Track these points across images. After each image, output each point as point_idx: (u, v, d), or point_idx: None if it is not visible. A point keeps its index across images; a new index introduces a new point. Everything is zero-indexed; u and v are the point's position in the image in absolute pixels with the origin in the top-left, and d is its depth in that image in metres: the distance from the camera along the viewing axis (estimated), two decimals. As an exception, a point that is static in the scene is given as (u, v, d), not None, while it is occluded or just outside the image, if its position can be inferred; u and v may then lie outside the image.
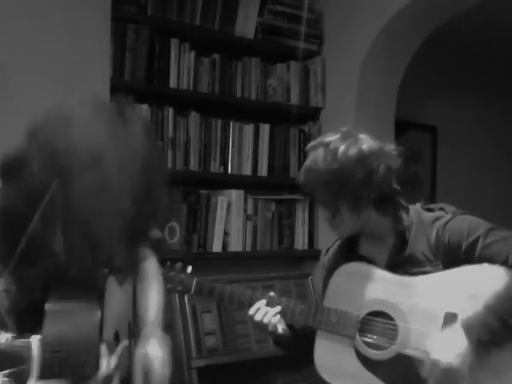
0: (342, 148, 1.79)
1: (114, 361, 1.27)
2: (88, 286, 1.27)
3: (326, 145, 1.82)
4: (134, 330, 1.54)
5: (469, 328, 1.69)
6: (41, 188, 1.09)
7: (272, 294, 2.03)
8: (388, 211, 1.86)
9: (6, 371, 0.89)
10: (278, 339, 2.04)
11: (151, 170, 1.18)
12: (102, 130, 1.14)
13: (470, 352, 1.68)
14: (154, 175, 1.19)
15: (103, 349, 1.26)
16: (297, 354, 2.11)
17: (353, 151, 1.79)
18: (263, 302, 1.98)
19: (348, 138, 1.82)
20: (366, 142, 1.82)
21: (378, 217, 1.87)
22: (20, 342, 0.93)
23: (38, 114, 1.20)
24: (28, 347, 0.92)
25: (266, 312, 1.96)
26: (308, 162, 1.84)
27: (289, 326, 2.03)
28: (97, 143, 1.11)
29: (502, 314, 1.67)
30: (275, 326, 1.96)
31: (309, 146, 1.90)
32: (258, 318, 1.96)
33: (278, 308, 1.96)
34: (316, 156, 1.82)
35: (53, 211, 1.09)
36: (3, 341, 0.92)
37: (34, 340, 0.94)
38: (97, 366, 1.23)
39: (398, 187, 1.85)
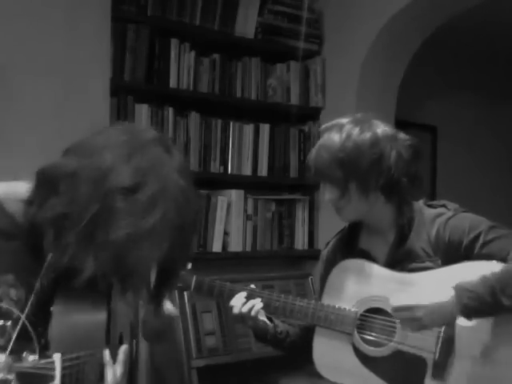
0: (357, 129, 1.82)
1: (119, 369, 1.26)
2: (96, 290, 1.27)
3: (342, 126, 1.84)
4: (136, 329, 1.54)
5: (460, 291, 1.69)
6: (85, 212, 1.07)
7: (252, 286, 2.04)
8: (394, 200, 1.87)
9: None
10: (257, 332, 2.06)
11: (190, 214, 1.15)
12: (143, 158, 1.11)
13: (455, 310, 1.68)
14: (191, 220, 1.16)
15: (107, 356, 1.25)
16: (278, 348, 2.12)
17: (368, 133, 1.81)
18: (243, 293, 1.99)
19: (363, 122, 1.84)
20: (381, 127, 1.85)
21: (383, 205, 1.86)
22: (44, 361, 0.92)
23: (82, 134, 1.17)
24: (52, 367, 0.92)
25: (245, 304, 1.97)
26: (322, 140, 1.86)
27: (269, 318, 2.04)
28: (144, 171, 1.09)
29: (494, 287, 1.67)
30: (255, 319, 1.97)
31: (323, 126, 1.93)
32: (235, 310, 1.97)
33: (258, 300, 1.97)
34: (330, 135, 1.84)
35: (89, 242, 1.07)
36: (29, 361, 0.92)
37: (57, 359, 0.94)
38: (101, 376, 1.22)
39: (406, 180, 1.86)
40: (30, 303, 1.04)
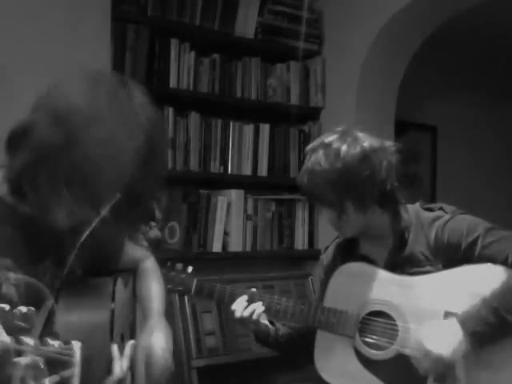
0: (344, 147, 1.78)
1: (125, 363, 1.27)
2: (99, 286, 1.28)
3: (327, 145, 1.80)
4: (134, 329, 1.55)
5: (464, 320, 1.70)
6: (49, 149, 1.09)
7: (254, 289, 2.03)
8: (389, 208, 1.86)
9: (54, 377, 0.91)
10: (259, 335, 2.05)
11: (154, 138, 1.18)
12: (105, 95, 1.15)
13: (464, 344, 1.69)
14: (156, 144, 1.19)
15: (115, 351, 1.25)
16: (279, 351, 2.12)
17: (355, 150, 1.78)
18: (245, 297, 1.98)
19: (347, 138, 1.81)
20: (367, 140, 1.82)
21: (380, 215, 1.86)
22: (64, 347, 0.94)
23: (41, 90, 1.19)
24: (71, 353, 0.94)
25: (246, 308, 1.96)
26: (309, 163, 1.82)
27: (270, 321, 2.04)
28: (100, 105, 1.12)
29: (497, 308, 1.67)
30: (257, 322, 1.97)
31: (308, 147, 1.88)
32: (238, 314, 1.96)
33: (260, 304, 1.96)
34: (317, 157, 1.80)
35: (59, 170, 1.10)
36: (52, 348, 0.93)
37: (77, 346, 0.96)
38: (109, 368, 1.23)
39: (397, 184, 1.85)
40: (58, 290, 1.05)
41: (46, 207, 1.12)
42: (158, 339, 1.49)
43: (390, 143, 1.87)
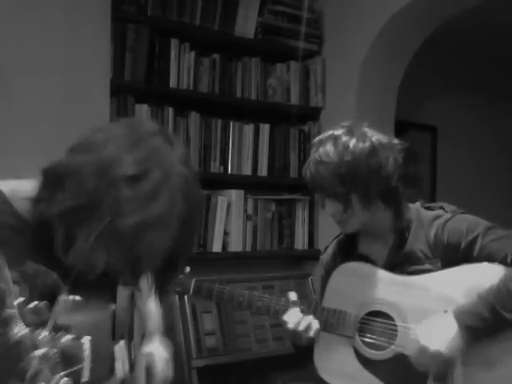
0: (353, 141, 1.79)
1: (127, 364, 1.27)
2: (102, 287, 1.28)
3: (336, 138, 1.81)
4: (132, 331, 1.55)
5: (459, 315, 1.70)
6: (92, 207, 1.08)
7: (292, 294, 1.97)
8: (392, 205, 1.87)
9: (66, 371, 0.92)
10: (300, 345, 1.96)
11: (192, 197, 1.17)
12: (145, 149, 1.13)
13: (459, 339, 1.69)
14: (194, 203, 1.18)
15: (117, 351, 1.26)
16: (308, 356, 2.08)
17: (365, 144, 1.79)
18: (297, 309, 1.90)
19: (356, 132, 1.82)
20: (375, 135, 1.83)
21: (383, 212, 1.86)
22: (75, 342, 0.95)
23: (88, 131, 1.18)
24: (83, 347, 0.95)
25: (300, 321, 1.88)
26: (317, 155, 1.81)
27: None
28: (143, 161, 1.11)
29: (493, 304, 1.67)
30: (311, 336, 1.89)
31: (315, 140, 1.88)
32: (291, 326, 1.87)
33: (311, 317, 1.89)
34: (326, 149, 1.80)
35: (100, 232, 1.08)
36: (64, 341, 0.94)
37: (86, 341, 0.96)
38: (111, 368, 1.23)
39: (401, 183, 1.86)
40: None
41: (75, 255, 1.10)
42: (158, 349, 1.51)
43: (397, 141, 1.88)
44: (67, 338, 0.95)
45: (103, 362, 1.20)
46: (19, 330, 0.89)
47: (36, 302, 0.93)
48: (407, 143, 1.90)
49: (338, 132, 1.82)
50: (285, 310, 1.93)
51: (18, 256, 1.15)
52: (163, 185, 1.11)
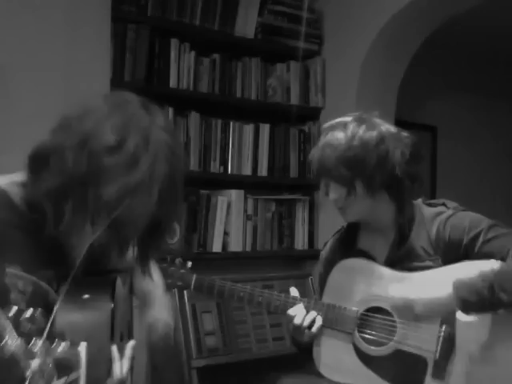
0: (362, 127, 1.82)
1: (125, 364, 1.27)
2: (100, 285, 1.28)
3: (346, 124, 1.84)
4: (132, 329, 1.55)
5: (458, 286, 1.70)
6: (76, 178, 1.10)
7: (295, 290, 1.99)
8: (396, 199, 1.87)
9: (63, 379, 0.92)
10: (301, 341, 1.97)
11: (176, 165, 1.19)
12: (131, 124, 1.15)
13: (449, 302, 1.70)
14: (177, 170, 1.20)
15: (115, 351, 1.26)
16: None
17: (373, 132, 1.81)
18: (301, 305, 1.93)
19: (365, 120, 1.85)
20: (384, 125, 1.85)
21: (385, 204, 1.87)
22: (72, 349, 0.95)
23: (66, 109, 1.20)
24: (78, 354, 0.95)
25: (306, 316, 1.90)
26: (326, 139, 1.84)
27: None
28: (127, 137, 1.13)
29: (492, 283, 1.67)
30: (314, 335, 1.91)
31: (325, 125, 1.90)
32: (297, 321, 1.89)
33: (318, 315, 1.91)
34: (335, 134, 1.83)
35: (85, 203, 1.11)
36: (60, 349, 0.94)
37: (82, 348, 0.97)
38: (109, 369, 1.23)
39: (407, 179, 1.86)
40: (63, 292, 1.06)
41: (67, 230, 1.13)
42: (161, 312, 1.53)
43: (406, 134, 1.90)
44: (63, 346, 0.95)
45: (101, 364, 1.20)
46: (13, 342, 0.89)
47: (32, 310, 0.93)
48: (414, 137, 1.90)
49: (348, 118, 1.85)
50: (285, 306, 1.94)
51: (17, 251, 1.16)
52: (143, 151, 1.12)
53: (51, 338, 0.95)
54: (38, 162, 1.15)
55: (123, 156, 1.11)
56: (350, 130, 1.81)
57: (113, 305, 1.29)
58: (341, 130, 1.82)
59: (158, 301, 1.61)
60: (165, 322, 1.58)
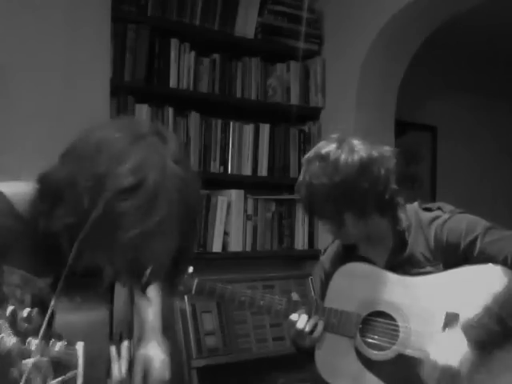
0: (341, 159, 1.74)
1: (124, 365, 1.27)
2: (98, 285, 1.28)
3: (324, 157, 1.77)
4: (132, 329, 1.55)
5: (467, 329, 1.69)
6: (86, 213, 1.07)
7: (295, 295, 2.01)
8: (388, 213, 1.86)
9: (59, 378, 0.92)
10: (303, 345, 1.96)
11: (193, 198, 1.16)
12: (148, 162, 1.10)
13: (469, 353, 1.69)
14: (195, 204, 1.17)
15: (113, 352, 1.25)
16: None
17: (353, 161, 1.74)
18: (303, 310, 1.91)
19: (344, 147, 1.77)
20: (364, 149, 1.78)
21: (379, 221, 1.86)
22: (69, 349, 0.95)
23: (77, 135, 1.16)
24: (75, 354, 0.95)
25: (308, 321, 1.89)
26: (307, 176, 1.79)
27: None
28: (140, 168, 1.09)
29: (501, 316, 1.67)
30: (316, 340, 1.90)
31: (304, 158, 1.85)
32: (300, 325, 1.88)
33: (320, 320, 1.89)
34: (315, 170, 1.76)
35: (102, 244, 1.08)
36: (57, 349, 0.94)
37: (80, 346, 0.97)
38: (108, 369, 1.23)
39: (396, 186, 1.84)
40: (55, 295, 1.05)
41: (84, 264, 1.10)
42: (156, 350, 1.50)
43: (387, 148, 1.84)
44: (59, 345, 0.95)
45: (99, 365, 1.20)
46: (9, 339, 0.88)
47: (28, 309, 0.93)
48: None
49: (326, 149, 1.78)
50: (287, 311, 1.94)
51: (18, 258, 1.15)
52: (160, 190, 1.08)
53: (48, 337, 0.95)
54: (50, 192, 1.12)
55: (141, 198, 1.07)
56: (329, 165, 1.74)
57: (112, 305, 1.29)
58: (321, 167, 1.75)
59: (152, 334, 1.58)
60: (159, 358, 1.55)
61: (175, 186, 1.10)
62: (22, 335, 0.90)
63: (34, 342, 0.90)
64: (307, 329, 1.87)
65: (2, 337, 0.88)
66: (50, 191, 1.12)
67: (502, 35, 4.20)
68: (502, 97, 4.81)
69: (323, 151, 1.78)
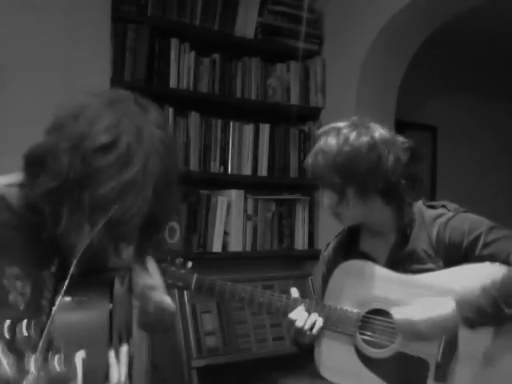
0: (354, 133, 1.81)
1: (123, 370, 1.26)
2: (97, 285, 1.28)
3: (339, 130, 1.83)
4: (131, 329, 1.55)
5: (462, 303, 1.70)
6: (71, 181, 1.11)
7: (294, 290, 1.99)
8: (393, 203, 1.86)
9: None
10: (302, 342, 1.97)
11: (170, 162, 1.20)
12: (123, 122, 1.15)
13: (455, 323, 1.71)
14: (171, 168, 1.21)
15: (112, 357, 1.25)
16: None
17: (365, 137, 1.80)
18: (302, 307, 1.92)
19: (360, 126, 1.84)
20: (378, 130, 1.84)
21: (382, 208, 1.86)
22: (67, 362, 0.96)
23: (58, 108, 1.21)
24: (74, 368, 0.96)
25: (307, 318, 1.90)
26: (319, 145, 1.84)
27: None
28: (121, 136, 1.13)
29: (496, 299, 1.68)
30: (315, 337, 1.90)
31: (320, 130, 1.92)
32: (299, 324, 1.89)
33: (319, 317, 1.90)
34: (327, 139, 1.83)
35: (82, 204, 1.12)
36: (55, 363, 0.96)
37: (78, 359, 0.97)
38: (106, 374, 1.22)
39: (404, 181, 1.86)
40: (60, 296, 1.06)
41: (65, 230, 1.13)
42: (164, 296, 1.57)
43: (401, 138, 1.89)
44: (57, 359, 0.95)
45: (98, 372, 1.19)
46: (6, 359, 0.89)
47: (26, 323, 0.93)
48: (411, 142, 1.90)
49: (342, 124, 1.85)
50: (286, 307, 1.94)
51: (15, 252, 1.16)
52: (136, 149, 1.13)
53: (46, 350, 0.95)
54: (34, 163, 1.16)
55: (116, 155, 1.12)
56: (342, 136, 1.81)
57: (111, 305, 1.28)
58: (333, 136, 1.82)
59: (158, 288, 1.62)
60: (168, 303, 1.60)
61: (153, 146, 1.15)
62: (20, 352, 0.90)
63: (31, 359, 0.91)
64: (306, 326, 1.88)
65: (1, 364, 0.88)
66: (32, 162, 1.17)
67: (502, 35, 4.20)
68: (502, 97, 4.81)
69: (339, 125, 1.86)
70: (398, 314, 1.77)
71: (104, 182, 1.11)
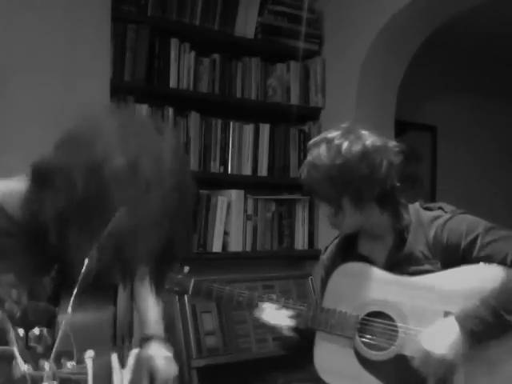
0: (345, 144, 1.78)
1: (127, 376, 1.26)
2: (103, 289, 1.28)
3: (329, 141, 1.81)
4: (132, 329, 1.55)
5: (462, 319, 1.70)
6: (83, 203, 1.08)
7: (274, 296, 2.02)
8: (389, 208, 1.86)
9: None
10: (283, 341, 2.02)
11: (184, 186, 1.16)
12: (136, 143, 1.11)
13: (463, 344, 1.69)
14: (186, 192, 1.17)
15: (115, 361, 1.24)
16: (299, 355, 2.10)
17: (357, 147, 1.78)
18: (274, 306, 1.95)
19: (350, 134, 1.81)
20: (370, 138, 1.82)
21: (379, 214, 1.86)
22: (79, 367, 0.96)
23: (69, 123, 1.17)
24: (85, 372, 0.95)
25: (278, 315, 1.93)
26: (311, 157, 1.83)
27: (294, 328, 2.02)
28: (134, 156, 1.09)
29: (495, 308, 1.68)
30: (287, 329, 1.94)
31: (310, 142, 1.89)
32: (271, 321, 1.93)
33: (290, 312, 1.93)
34: (319, 152, 1.80)
35: (91, 228, 1.08)
36: (67, 369, 0.96)
37: (89, 363, 0.97)
38: (109, 380, 1.22)
39: (399, 184, 1.85)
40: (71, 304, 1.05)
41: (70, 246, 1.10)
42: (158, 349, 1.50)
43: (393, 143, 1.88)
44: (69, 366, 0.95)
45: (104, 376, 1.19)
46: (22, 365, 0.89)
47: (39, 329, 0.93)
48: (405, 145, 1.89)
49: (333, 135, 1.82)
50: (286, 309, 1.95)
51: (11, 260, 1.15)
52: (153, 181, 1.09)
53: (58, 357, 0.95)
54: (43, 179, 1.12)
55: (134, 187, 1.08)
56: (333, 148, 1.78)
57: (115, 308, 1.28)
58: (324, 148, 1.80)
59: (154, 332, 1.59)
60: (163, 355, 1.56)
61: (170, 179, 1.11)
62: (34, 358, 0.90)
63: (45, 366, 0.91)
64: (277, 324, 1.92)
65: (15, 364, 0.88)
66: (42, 178, 1.12)
67: (502, 35, 4.20)
68: (502, 97, 4.80)
69: (329, 136, 1.83)
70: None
71: (118, 207, 1.07)
